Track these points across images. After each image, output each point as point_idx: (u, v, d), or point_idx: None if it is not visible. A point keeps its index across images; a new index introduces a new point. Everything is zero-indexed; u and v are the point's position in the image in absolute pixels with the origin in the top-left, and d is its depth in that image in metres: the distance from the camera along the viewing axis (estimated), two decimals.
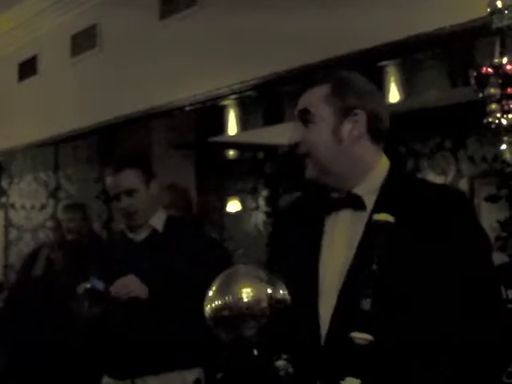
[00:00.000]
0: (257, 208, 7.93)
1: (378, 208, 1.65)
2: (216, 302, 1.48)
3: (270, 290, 1.49)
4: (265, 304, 1.47)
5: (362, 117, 1.71)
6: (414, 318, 1.55)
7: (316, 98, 1.72)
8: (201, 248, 2.82)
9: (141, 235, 2.88)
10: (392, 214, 1.58)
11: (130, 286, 2.62)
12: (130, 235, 2.90)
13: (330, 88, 1.72)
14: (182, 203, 3.95)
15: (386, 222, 1.56)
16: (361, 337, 1.47)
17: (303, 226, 1.78)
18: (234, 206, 7.80)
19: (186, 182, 6.95)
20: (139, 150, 6.47)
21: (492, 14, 2.75)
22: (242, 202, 7.85)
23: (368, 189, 1.70)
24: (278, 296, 1.50)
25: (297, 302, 1.55)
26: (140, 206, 2.81)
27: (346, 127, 1.70)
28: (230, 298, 1.47)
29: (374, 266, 1.53)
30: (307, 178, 1.75)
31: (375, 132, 1.74)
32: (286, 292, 1.52)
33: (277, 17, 4.23)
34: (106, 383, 2.86)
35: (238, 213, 7.82)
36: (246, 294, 1.46)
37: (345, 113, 1.71)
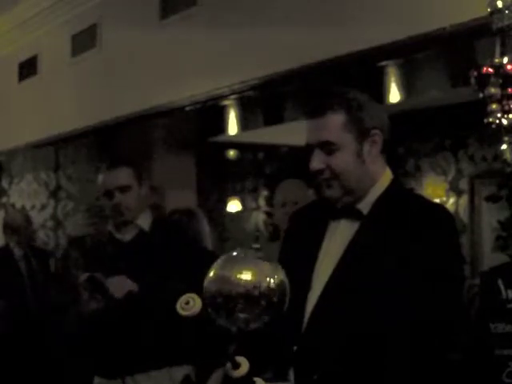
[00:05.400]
0: (257, 208, 7.93)
1: (369, 217, 1.80)
2: (214, 284, 1.46)
3: (268, 275, 1.44)
4: (263, 288, 1.46)
5: (379, 136, 1.82)
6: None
7: (335, 128, 1.79)
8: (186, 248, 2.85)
9: (128, 235, 2.88)
10: (380, 225, 1.76)
11: (125, 282, 2.64)
12: (118, 236, 2.90)
13: (344, 114, 1.79)
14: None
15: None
16: (236, 374, 1.43)
17: (310, 228, 1.89)
18: (234, 205, 7.80)
19: (186, 182, 6.99)
20: (139, 150, 6.48)
21: (492, 14, 2.75)
22: (242, 202, 7.85)
23: (368, 201, 1.83)
24: (277, 280, 1.46)
25: (291, 295, 1.58)
26: (131, 204, 2.83)
27: (366, 148, 1.81)
28: (228, 280, 1.44)
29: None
30: (330, 198, 1.83)
31: (385, 145, 1.84)
32: (284, 276, 1.47)
33: (277, 17, 4.23)
34: (96, 383, 2.86)
35: (238, 213, 7.82)
36: (245, 277, 1.45)
37: (364, 135, 1.81)
